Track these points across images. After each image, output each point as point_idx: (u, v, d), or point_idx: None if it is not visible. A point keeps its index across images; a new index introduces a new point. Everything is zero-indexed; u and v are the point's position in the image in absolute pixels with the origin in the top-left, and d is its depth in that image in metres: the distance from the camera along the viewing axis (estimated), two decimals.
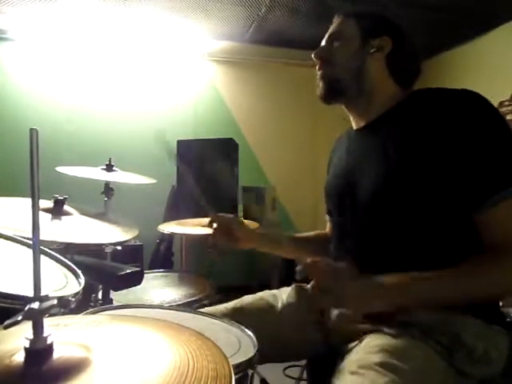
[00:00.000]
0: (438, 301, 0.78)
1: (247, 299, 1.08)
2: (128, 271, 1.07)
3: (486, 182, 0.76)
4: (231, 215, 1.19)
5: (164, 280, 1.54)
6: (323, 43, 1.00)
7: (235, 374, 0.40)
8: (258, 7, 2.91)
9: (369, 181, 0.89)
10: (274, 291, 1.12)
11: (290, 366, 1.90)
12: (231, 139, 2.98)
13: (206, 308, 1.10)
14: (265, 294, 1.10)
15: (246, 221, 1.33)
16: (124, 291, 1.15)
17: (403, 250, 0.84)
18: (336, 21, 1.00)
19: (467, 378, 0.76)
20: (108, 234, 1.13)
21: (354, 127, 1.02)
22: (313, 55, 0.98)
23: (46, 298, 0.41)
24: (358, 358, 0.74)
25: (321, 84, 0.98)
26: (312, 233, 1.25)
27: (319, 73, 0.99)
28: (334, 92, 0.98)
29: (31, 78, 3.31)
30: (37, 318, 0.39)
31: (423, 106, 0.86)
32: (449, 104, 0.81)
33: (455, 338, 0.77)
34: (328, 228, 1.22)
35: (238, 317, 0.96)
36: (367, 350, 0.75)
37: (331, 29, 1.00)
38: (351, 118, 1.03)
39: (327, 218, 1.21)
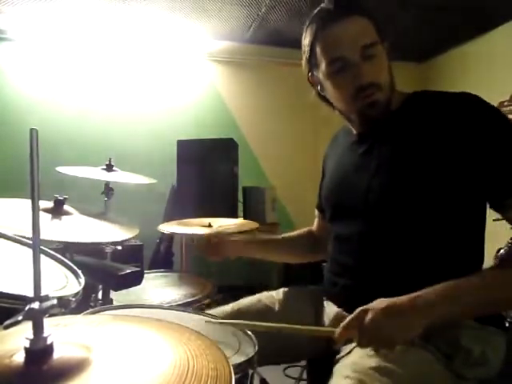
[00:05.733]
0: (485, 306, 0.75)
1: (245, 301, 1.08)
2: (128, 271, 1.07)
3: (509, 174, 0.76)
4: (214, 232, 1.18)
5: (164, 280, 1.54)
6: (358, 59, 0.84)
7: (235, 373, 0.40)
8: (258, 7, 2.91)
9: (368, 187, 0.89)
10: (272, 292, 1.12)
11: (290, 366, 1.90)
12: (231, 139, 2.98)
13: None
14: (262, 296, 1.10)
15: (242, 220, 1.34)
16: (124, 291, 1.14)
17: (400, 256, 0.84)
18: (352, 23, 0.85)
19: (465, 380, 0.76)
20: (108, 233, 1.13)
21: (355, 131, 0.99)
22: (368, 80, 0.85)
23: (46, 297, 0.41)
24: (352, 361, 0.74)
25: (375, 109, 0.88)
26: (296, 232, 1.25)
27: (368, 100, 0.86)
28: (381, 115, 0.90)
29: (31, 77, 3.31)
30: (37, 318, 0.39)
31: (423, 111, 0.86)
32: (450, 107, 0.81)
33: (453, 341, 0.77)
34: (316, 224, 1.22)
35: (235, 319, 0.95)
36: (363, 353, 0.74)
37: (356, 36, 0.84)
38: (352, 123, 0.99)
39: (316, 213, 1.21)
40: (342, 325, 0.71)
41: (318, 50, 0.89)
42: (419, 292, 0.72)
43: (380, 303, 0.71)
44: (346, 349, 0.80)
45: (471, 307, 0.74)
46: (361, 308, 0.72)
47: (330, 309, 0.97)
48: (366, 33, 0.85)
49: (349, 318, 0.72)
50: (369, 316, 0.69)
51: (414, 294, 0.72)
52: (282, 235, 1.24)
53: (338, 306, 0.93)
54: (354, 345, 0.78)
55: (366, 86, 0.85)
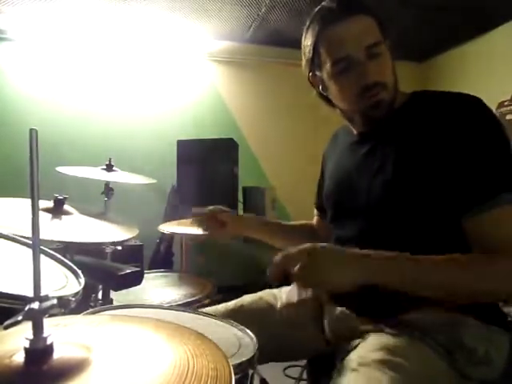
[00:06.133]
0: (424, 286, 0.75)
1: (247, 299, 1.09)
2: (128, 271, 1.07)
3: (481, 187, 0.76)
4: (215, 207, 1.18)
5: (164, 280, 1.54)
6: (364, 57, 0.84)
7: (235, 373, 0.40)
8: (258, 7, 2.91)
9: (369, 187, 0.89)
10: (274, 291, 1.12)
11: (290, 366, 1.90)
12: (231, 139, 2.98)
13: (205, 308, 1.10)
14: (264, 294, 1.10)
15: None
16: (124, 291, 1.14)
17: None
18: (356, 22, 0.84)
19: (468, 379, 0.75)
20: (108, 233, 1.13)
21: (356, 131, 0.99)
22: (377, 79, 0.85)
23: (46, 297, 0.41)
24: (358, 355, 0.74)
25: (380, 108, 0.87)
26: (297, 222, 1.26)
27: (374, 99, 0.86)
28: (384, 116, 0.89)
29: (31, 77, 3.31)
30: (37, 318, 0.39)
31: (423, 112, 0.85)
32: (448, 109, 0.81)
33: (456, 340, 0.77)
34: (315, 220, 1.23)
35: (237, 317, 0.95)
36: (368, 348, 0.75)
37: (361, 35, 0.84)
38: (353, 123, 0.99)
39: (315, 212, 1.22)
40: (282, 254, 0.76)
41: (321, 50, 0.88)
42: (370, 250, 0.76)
43: (323, 246, 0.76)
44: (350, 346, 0.80)
45: (415, 283, 0.75)
46: (303, 246, 0.76)
47: (333, 308, 0.97)
48: (370, 32, 0.85)
49: (290, 253, 0.76)
50: (309, 254, 0.74)
51: (360, 250, 0.77)
52: (287, 222, 1.26)
53: (340, 306, 0.94)
54: (359, 340, 0.79)
55: (372, 86, 0.85)
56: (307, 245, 0.76)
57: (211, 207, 1.14)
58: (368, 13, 0.85)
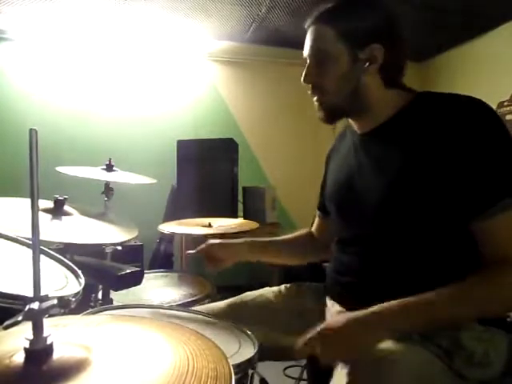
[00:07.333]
0: (438, 321, 0.76)
1: (247, 296, 1.09)
2: (128, 271, 1.07)
3: (487, 192, 0.76)
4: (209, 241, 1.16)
5: (164, 280, 1.54)
6: (308, 62, 0.93)
7: (235, 374, 0.40)
8: (258, 7, 2.91)
9: (372, 189, 0.89)
10: (275, 288, 1.12)
11: (290, 366, 1.90)
12: (231, 139, 2.98)
13: (205, 304, 1.10)
14: (265, 291, 1.10)
15: (242, 220, 1.33)
16: (124, 291, 1.15)
17: (404, 258, 0.84)
18: (312, 30, 0.91)
19: (466, 380, 0.76)
20: (108, 234, 1.13)
21: (358, 131, 0.98)
22: (302, 81, 0.93)
23: (46, 297, 0.41)
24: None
25: (320, 110, 0.94)
26: (293, 234, 1.24)
27: (314, 99, 0.94)
28: (335, 116, 0.95)
29: (31, 77, 3.31)
30: (37, 318, 0.39)
31: (427, 115, 0.85)
32: (452, 113, 0.81)
33: (455, 341, 0.77)
34: (316, 224, 1.22)
35: (237, 313, 0.96)
36: None
37: (311, 42, 0.92)
38: (354, 124, 0.99)
39: (318, 213, 1.21)
40: (301, 340, 0.73)
41: None
42: (377, 306, 0.74)
43: (340, 318, 0.74)
44: None
45: (424, 322, 0.75)
46: (321, 326, 0.74)
47: (333, 307, 0.97)
48: (322, 40, 0.90)
49: (309, 334, 0.73)
50: (329, 331, 0.72)
51: (372, 309, 0.74)
52: (282, 237, 1.24)
53: (341, 305, 0.94)
54: None
55: (306, 83, 0.93)
56: (316, 330, 0.74)
57: (203, 246, 1.13)
58: (332, 24, 0.88)
